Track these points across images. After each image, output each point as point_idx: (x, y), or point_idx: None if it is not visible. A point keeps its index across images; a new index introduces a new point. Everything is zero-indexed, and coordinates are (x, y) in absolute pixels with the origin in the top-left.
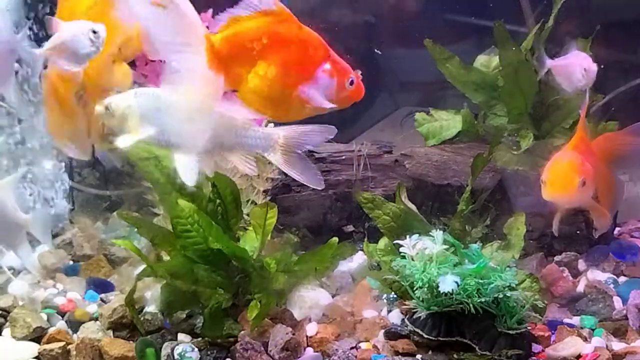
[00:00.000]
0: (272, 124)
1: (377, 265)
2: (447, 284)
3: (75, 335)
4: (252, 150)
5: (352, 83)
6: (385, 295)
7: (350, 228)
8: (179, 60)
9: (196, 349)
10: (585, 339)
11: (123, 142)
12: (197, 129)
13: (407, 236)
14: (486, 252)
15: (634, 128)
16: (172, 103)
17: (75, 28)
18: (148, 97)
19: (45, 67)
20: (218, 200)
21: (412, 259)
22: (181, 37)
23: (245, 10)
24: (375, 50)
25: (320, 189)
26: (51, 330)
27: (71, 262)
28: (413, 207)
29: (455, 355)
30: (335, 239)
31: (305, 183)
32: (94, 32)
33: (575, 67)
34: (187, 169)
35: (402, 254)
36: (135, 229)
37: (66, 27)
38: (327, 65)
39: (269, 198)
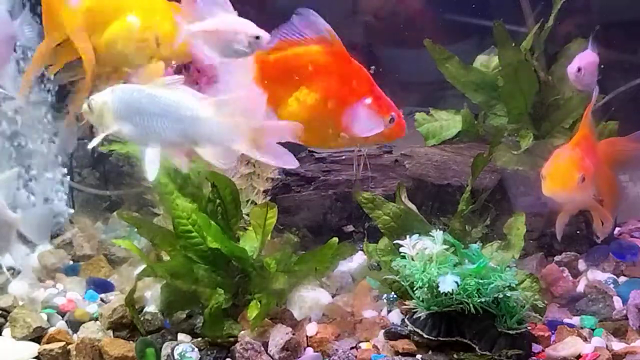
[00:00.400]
0: None
1: (377, 265)
2: (447, 284)
3: (75, 335)
4: (218, 143)
5: (392, 121)
6: (385, 295)
7: (350, 228)
8: (229, 74)
9: (196, 349)
10: (585, 339)
11: (95, 141)
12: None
13: (407, 236)
14: (486, 252)
15: (637, 135)
16: (151, 98)
17: (240, 25)
18: (125, 94)
19: None
20: (218, 200)
21: (412, 259)
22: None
23: (298, 36)
24: (371, 68)
25: (294, 167)
26: (51, 330)
27: (71, 262)
28: (413, 207)
29: (455, 355)
30: (335, 239)
31: (279, 166)
32: (257, 37)
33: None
34: (151, 164)
35: (402, 254)
36: (135, 229)
37: (228, 19)
38: (368, 100)
39: (269, 198)
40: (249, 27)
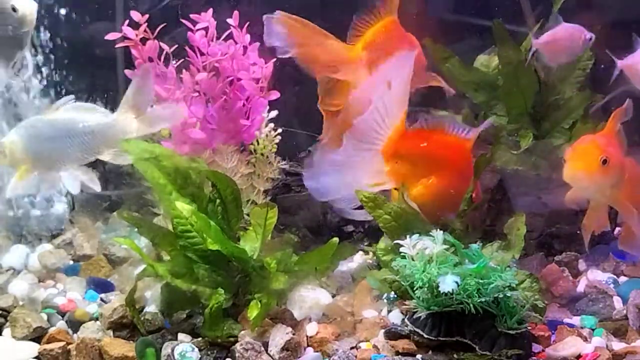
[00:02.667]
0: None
1: (375, 265)
2: (447, 284)
3: (75, 335)
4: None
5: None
6: (385, 295)
7: (350, 228)
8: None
9: (196, 349)
10: (585, 339)
11: (12, 190)
12: None
13: (408, 236)
14: (486, 252)
15: None
16: (53, 123)
17: (575, 31)
18: (30, 128)
19: None
20: (218, 200)
21: (412, 259)
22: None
23: (446, 127)
24: None
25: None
26: (51, 330)
27: (71, 262)
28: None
29: (455, 355)
30: (335, 239)
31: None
32: (590, 39)
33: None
34: (72, 181)
35: (402, 254)
36: (136, 229)
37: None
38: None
39: (269, 198)
40: (583, 31)
